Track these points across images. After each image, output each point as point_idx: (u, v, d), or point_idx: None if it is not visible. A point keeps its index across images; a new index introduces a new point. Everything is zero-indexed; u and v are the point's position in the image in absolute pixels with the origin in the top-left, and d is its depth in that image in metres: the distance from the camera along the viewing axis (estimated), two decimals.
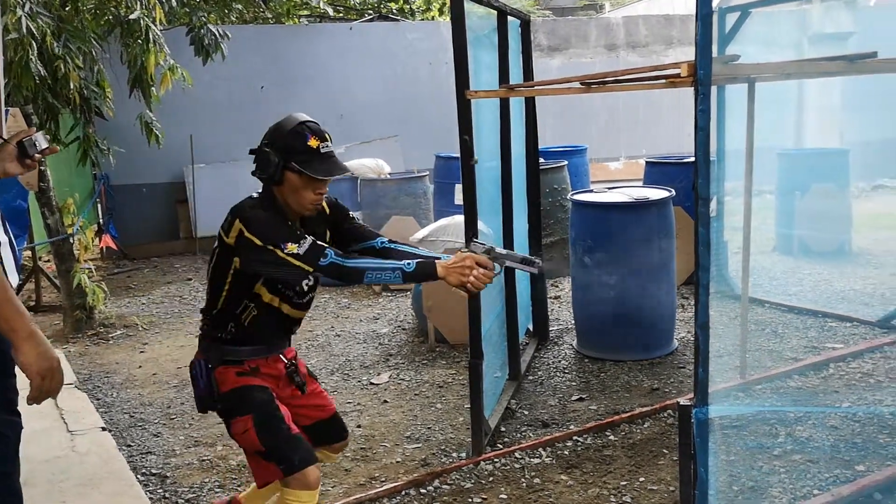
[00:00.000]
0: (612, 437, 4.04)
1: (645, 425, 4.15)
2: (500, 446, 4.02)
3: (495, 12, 4.57)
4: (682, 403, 2.79)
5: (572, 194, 5.40)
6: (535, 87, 3.37)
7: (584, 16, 19.93)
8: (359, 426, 4.45)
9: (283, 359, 2.83)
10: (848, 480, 3.39)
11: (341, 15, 14.81)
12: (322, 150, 2.58)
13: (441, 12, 19.73)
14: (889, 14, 12.90)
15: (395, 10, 14.96)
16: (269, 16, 12.84)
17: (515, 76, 4.87)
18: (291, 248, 2.47)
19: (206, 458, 4.15)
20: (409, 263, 2.56)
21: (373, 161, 8.15)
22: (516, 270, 4.25)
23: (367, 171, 7.97)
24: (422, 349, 5.72)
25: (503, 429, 4.24)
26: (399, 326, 6.34)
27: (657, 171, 7.04)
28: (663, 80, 2.62)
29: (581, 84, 3.23)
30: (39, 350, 2.00)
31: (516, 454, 3.90)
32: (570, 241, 5.49)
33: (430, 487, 3.67)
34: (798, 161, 7.65)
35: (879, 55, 3.38)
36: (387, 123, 10.78)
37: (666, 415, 4.25)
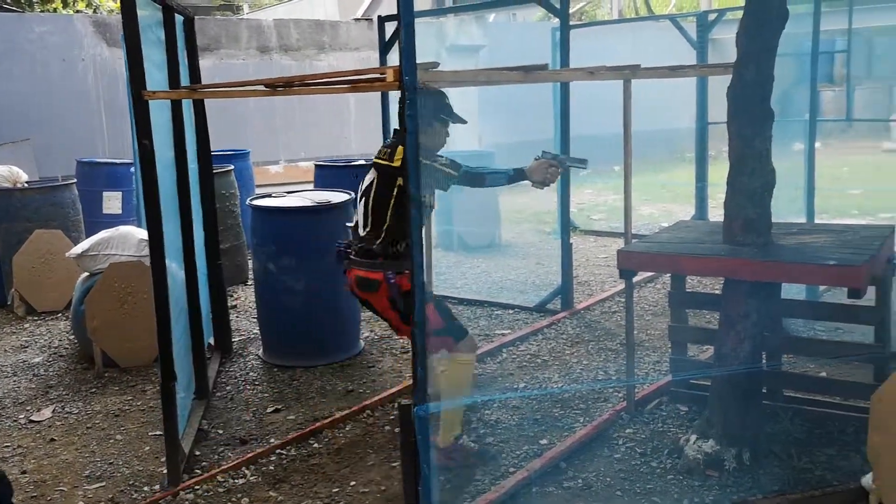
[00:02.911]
0: (316, 445, 3.98)
1: (347, 428, 4.15)
2: (199, 472, 3.75)
3: (161, 7, 4.28)
4: (402, 403, 2.83)
5: (251, 200, 5.22)
6: (223, 89, 3.18)
7: (222, 16, 19.50)
8: (24, 472, 3.88)
9: None
10: (537, 455, 3.70)
11: None
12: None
13: (65, 4, 17.96)
14: (506, 30, 14.45)
15: (8, 0, 13.38)
16: None
17: (182, 76, 4.61)
18: (443, 160, 3.25)
19: None
20: (509, 169, 3.60)
21: (6, 168, 7.13)
22: None
23: (1, 179, 6.97)
24: (87, 376, 5.15)
25: (198, 452, 3.97)
26: (55, 353, 5.65)
27: (327, 174, 7.09)
28: (369, 84, 2.61)
29: (272, 87, 3.13)
30: None
31: (218, 478, 3.67)
32: (251, 247, 5.31)
33: None
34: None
35: (502, 64, 3.72)
36: (15, 126, 9.59)
37: (365, 415, 4.29)
